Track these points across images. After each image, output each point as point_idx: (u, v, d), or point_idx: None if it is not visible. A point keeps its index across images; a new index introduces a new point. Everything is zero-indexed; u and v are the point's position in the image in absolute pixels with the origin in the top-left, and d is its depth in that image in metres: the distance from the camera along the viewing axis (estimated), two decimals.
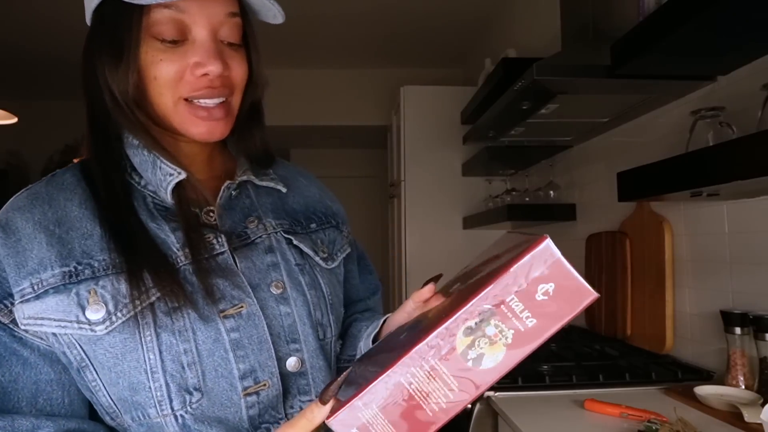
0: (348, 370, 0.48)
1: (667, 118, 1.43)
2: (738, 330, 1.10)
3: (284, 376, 0.61)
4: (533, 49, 2.20)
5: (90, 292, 0.54)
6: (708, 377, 1.19)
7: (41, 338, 0.55)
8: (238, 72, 0.62)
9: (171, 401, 0.55)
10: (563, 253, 0.39)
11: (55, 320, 0.54)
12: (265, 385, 0.59)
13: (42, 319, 0.54)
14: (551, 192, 2.13)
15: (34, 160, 3.91)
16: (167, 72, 0.57)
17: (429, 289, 0.55)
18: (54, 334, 0.55)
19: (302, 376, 0.62)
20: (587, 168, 1.92)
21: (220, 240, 0.61)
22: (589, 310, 1.76)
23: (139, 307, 0.54)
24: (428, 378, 0.40)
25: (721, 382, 1.13)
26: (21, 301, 0.54)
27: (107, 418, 0.57)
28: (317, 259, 0.68)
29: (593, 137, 1.82)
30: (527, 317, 0.39)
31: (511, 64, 1.80)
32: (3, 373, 0.54)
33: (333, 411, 0.42)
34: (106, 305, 0.54)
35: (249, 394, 0.58)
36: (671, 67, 1.17)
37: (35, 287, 0.54)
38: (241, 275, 0.61)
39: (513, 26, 2.65)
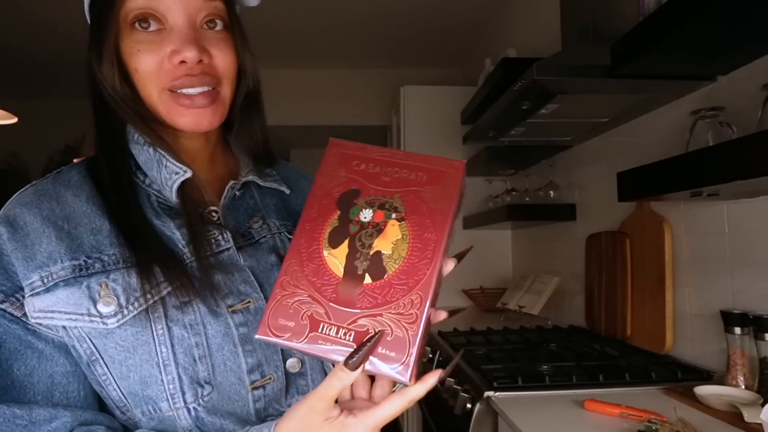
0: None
1: (667, 118, 1.43)
2: (738, 330, 1.10)
3: (285, 374, 0.61)
4: (533, 49, 2.20)
5: (101, 285, 0.54)
6: (708, 377, 1.19)
7: (53, 331, 0.55)
8: (222, 59, 0.59)
9: (184, 394, 0.55)
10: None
11: (65, 313, 0.54)
12: (270, 378, 0.59)
13: (53, 312, 0.54)
14: (551, 192, 2.12)
15: (34, 160, 3.91)
16: (146, 62, 0.57)
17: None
18: (64, 328, 0.55)
19: (302, 377, 0.62)
20: (587, 168, 1.92)
21: (225, 236, 0.62)
22: (590, 310, 1.76)
23: (151, 301, 0.55)
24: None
25: (721, 382, 1.12)
26: (31, 294, 0.54)
27: (117, 413, 0.57)
28: None
29: (593, 137, 1.82)
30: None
31: (511, 64, 1.80)
32: (18, 367, 0.54)
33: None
34: (118, 298, 0.54)
35: (256, 388, 0.58)
36: (671, 67, 1.17)
37: (45, 280, 0.54)
38: (248, 270, 0.61)
39: (513, 26, 2.65)
